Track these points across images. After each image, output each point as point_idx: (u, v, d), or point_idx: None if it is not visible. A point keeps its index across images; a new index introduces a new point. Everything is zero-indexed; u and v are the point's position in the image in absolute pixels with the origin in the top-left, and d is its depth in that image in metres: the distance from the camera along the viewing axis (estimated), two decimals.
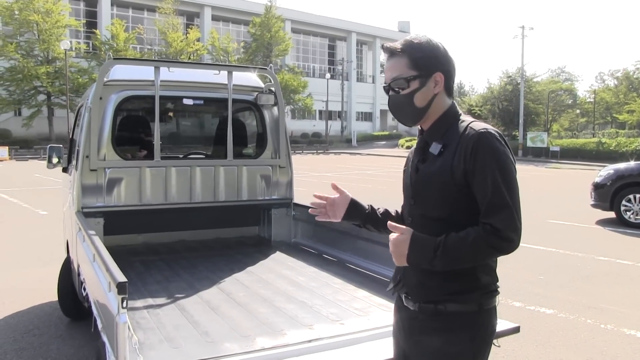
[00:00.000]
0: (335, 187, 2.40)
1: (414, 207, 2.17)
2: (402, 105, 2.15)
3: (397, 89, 2.13)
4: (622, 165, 13.16)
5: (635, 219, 12.16)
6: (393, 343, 2.36)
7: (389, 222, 2.06)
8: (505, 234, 1.91)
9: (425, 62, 2.09)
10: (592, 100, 69.32)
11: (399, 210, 2.42)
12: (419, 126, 2.23)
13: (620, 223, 12.37)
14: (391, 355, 2.39)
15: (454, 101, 2.20)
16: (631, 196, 12.24)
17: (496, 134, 2.02)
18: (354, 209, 2.40)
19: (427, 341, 2.10)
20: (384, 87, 2.21)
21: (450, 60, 2.15)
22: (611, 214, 12.83)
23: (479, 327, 2.07)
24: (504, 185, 1.94)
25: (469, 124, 2.08)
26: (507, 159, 2.00)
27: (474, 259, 1.98)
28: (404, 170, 2.32)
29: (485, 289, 2.08)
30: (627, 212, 12.30)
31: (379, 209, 2.43)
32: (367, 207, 2.42)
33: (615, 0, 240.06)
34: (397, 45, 2.13)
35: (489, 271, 2.10)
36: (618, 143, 42.17)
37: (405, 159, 2.38)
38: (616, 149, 40.61)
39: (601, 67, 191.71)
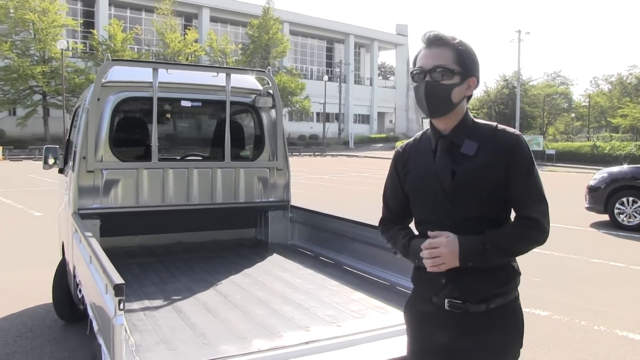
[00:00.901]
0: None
1: (451, 209, 2.15)
2: (439, 93, 2.13)
3: (436, 78, 2.13)
4: (615, 169, 13.25)
5: (629, 222, 12.23)
6: (415, 342, 2.33)
7: (429, 232, 2.11)
8: (542, 225, 2.11)
9: (469, 63, 2.16)
10: (587, 104, 69.49)
11: (406, 229, 2.40)
12: (426, 126, 2.29)
13: (614, 226, 12.44)
14: (388, 356, 2.40)
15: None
16: (624, 199, 12.31)
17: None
18: None
19: (480, 340, 2.16)
20: (415, 72, 2.19)
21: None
22: (605, 217, 12.90)
23: (520, 312, 2.27)
24: (539, 183, 2.14)
25: (496, 125, 2.20)
26: (533, 158, 2.18)
27: (517, 250, 2.14)
28: (406, 175, 2.31)
29: (518, 274, 2.26)
30: (621, 215, 12.37)
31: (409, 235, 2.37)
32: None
33: (610, 6, 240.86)
34: (448, 37, 2.16)
35: (515, 259, 2.27)
36: (612, 147, 42.30)
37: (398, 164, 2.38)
38: (610, 152, 40.72)
39: (596, 71, 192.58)
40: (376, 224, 2.58)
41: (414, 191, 2.29)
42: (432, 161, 2.21)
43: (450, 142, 2.18)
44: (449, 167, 2.15)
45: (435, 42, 2.16)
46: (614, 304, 6.68)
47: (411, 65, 2.25)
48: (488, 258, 2.06)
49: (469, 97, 2.22)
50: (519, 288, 2.28)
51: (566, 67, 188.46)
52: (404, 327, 2.43)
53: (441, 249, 2.05)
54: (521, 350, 2.25)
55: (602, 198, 12.65)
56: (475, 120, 2.23)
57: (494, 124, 2.21)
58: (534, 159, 2.16)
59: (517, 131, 2.17)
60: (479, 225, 2.10)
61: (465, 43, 2.17)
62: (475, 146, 2.13)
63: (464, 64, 2.14)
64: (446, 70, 2.12)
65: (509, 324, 2.20)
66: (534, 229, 2.11)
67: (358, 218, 4.76)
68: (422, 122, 68.28)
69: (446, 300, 2.17)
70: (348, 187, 21.92)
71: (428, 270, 2.11)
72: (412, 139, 2.39)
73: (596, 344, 5.45)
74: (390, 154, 2.36)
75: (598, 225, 12.87)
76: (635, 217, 12.16)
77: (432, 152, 2.23)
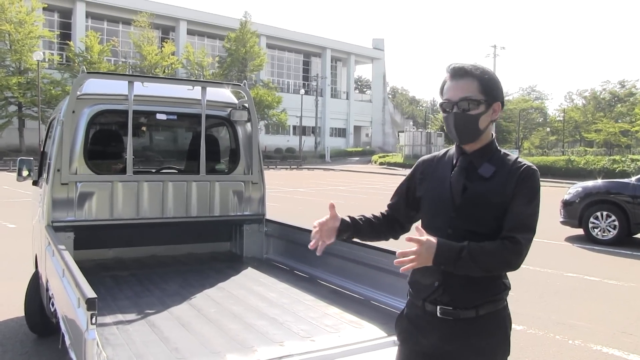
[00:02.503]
0: (332, 207, 2.43)
1: (456, 220, 2.28)
2: (467, 124, 2.29)
3: (463, 109, 2.27)
4: (590, 183, 13.40)
5: (603, 236, 12.35)
6: (405, 347, 2.44)
7: (408, 237, 2.15)
8: (521, 250, 2.17)
9: (492, 90, 2.29)
10: (561, 118, 70.39)
11: (376, 214, 2.58)
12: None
13: (588, 240, 12.55)
14: None
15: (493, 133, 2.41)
16: (599, 213, 12.44)
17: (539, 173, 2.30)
18: (343, 226, 2.46)
19: (471, 345, 2.26)
20: (443, 104, 2.34)
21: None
22: (580, 231, 13.03)
23: (509, 319, 2.36)
24: (536, 215, 2.24)
25: (517, 158, 2.34)
26: (539, 192, 2.27)
27: (489, 267, 2.18)
28: (422, 181, 2.46)
29: (507, 288, 2.35)
30: (595, 229, 12.49)
31: (360, 217, 2.53)
32: (348, 219, 2.48)
33: (584, 23, 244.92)
34: (471, 67, 2.29)
35: (506, 275, 2.38)
36: (587, 161, 42.87)
37: (410, 169, 2.60)
38: (585, 166, 41.24)
39: (570, 86, 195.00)
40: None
41: (427, 197, 2.44)
42: (449, 174, 2.37)
43: (470, 161, 2.33)
44: (462, 182, 2.31)
45: (459, 73, 2.29)
46: (588, 318, 6.74)
47: (439, 96, 2.39)
48: (460, 266, 2.12)
49: (494, 120, 2.36)
50: None
51: (541, 82, 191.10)
52: (378, 341, 2.47)
53: (419, 248, 2.10)
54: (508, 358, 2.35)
55: (577, 212, 12.79)
56: (499, 148, 2.37)
57: (516, 156, 2.36)
58: (539, 193, 2.26)
59: (534, 166, 2.29)
60: (477, 239, 2.17)
61: (488, 71, 2.31)
62: (492, 170, 2.28)
63: (489, 92, 2.27)
64: (472, 101, 2.26)
65: (498, 331, 2.30)
66: (513, 253, 2.16)
67: None
68: (397, 135, 68.63)
69: (438, 308, 2.28)
70: (324, 200, 21.89)
71: (396, 262, 2.15)
72: (439, 152, 2.54)
73: (571, 358, 5.49)
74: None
75: (573, 239, 12.99)
76: (610, 231, 12.29)
77: (451, 166, 2.39)
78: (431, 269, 2.16)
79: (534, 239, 2.21)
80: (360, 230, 2.51)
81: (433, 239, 2.11)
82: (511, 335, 2.36)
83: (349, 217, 2.49)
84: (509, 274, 2.33)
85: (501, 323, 2.31)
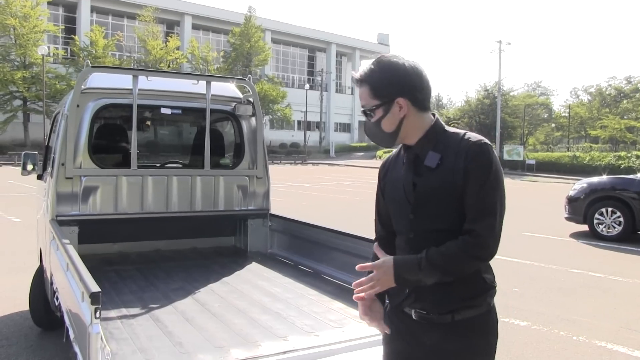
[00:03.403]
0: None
1: (415, 221, 2.15)
2: (373, 131, 2.21)
3: (367, 117, 2.19)
4: (595, 179, 13.37)
5: (608, 232, 12.34)
6: (388, 353, 2.35)
7: (358, 266, 2.12)
8: (484, 241, 2.01)
9: (385, 90, 2.11)
10: (567, 114, 70.15)
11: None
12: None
13: (593, 236, 12.54)
14: None
15: (435, 114, 2.21)
16: (603, 209, 12.42)
17: (490, 144, 2.10)
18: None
19: (447, 350, 2.13)
20: (362, 112, 2.26)
21: (415, 79, 2.13)
22: (585, 227, 13.01)
23: (492, 325, 2.21)
24: (495, 195, 2.04)
25: (464, 135, 2.12)
26: (500, 171, 2.08)
27: (456, 270, 2.04)
28: (384, 185, 2.33)
29: (490, 287, 2.18)
30: (600, 225, 12.48)
31: None
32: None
33: (590, 18, 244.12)
34: (360, 75, 2.17)
35: (489, 271, 2.19)
36: (592, 157, 42.82)
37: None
38: (590, 163, 41.20)
39: (575, 82, 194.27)
40: (356, 233, 2.59)
41: (388, 202, 2.31)
42: (402, 172, 2.23)
43: (415, 154, 2.17)
44: (410, 179, 2.16)
45: (357, 83, 2.20)
46: (593, 315, 6.73)
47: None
48: (425, 277, 2.03)
49: (423, 107, 2.16)
50: (496, 299, 2.25)
51: (546, 78, 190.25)
52: (381, 337, 2.43)
53: (377, 274, 2.06)
54: None
55: (582, 208, 12.77)
56: (447, 129, 2.18)
57: (462, 132, 2.15)
58: (496, 169, 2.06)
59: (483, 139, 2.09)
60: (443, 238, 2.06)
61: (381, 69, 2.13)
62: (437, 158, 2.10)
63: (382, 93, 2.12)
64: (369, 110, 2.16)
65: (478, 336, 2.15)
66: (477, 247, 2.01)
67: (338, 227, 4.75)
68: None
69: (413, 311, 2.18)
70: (328, 195, 21.92)
71: (355, 297, 2.16)
72: (395, 150, 2.38)
73: (575, 355, 5.48)
74: (371, 162, 2.36)
75: (577, 235, 12.97)
76: (614, 227, 12.27)
77: (402, 163, 2.24)
78: None
79: (502, 222, 2.05)
80: None
81: (389, 260, 2.05)
82: (497, 344, 2.24)
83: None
84: (504, 268, 2.22)
85: (482, 329, 2.16)
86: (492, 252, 2.04)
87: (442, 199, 2.08)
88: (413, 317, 2.17)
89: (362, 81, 2.15)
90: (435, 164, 2.09)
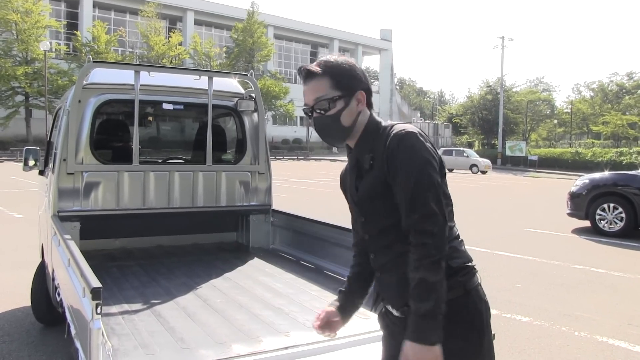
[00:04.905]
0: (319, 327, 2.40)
1: (366, 223, 2.18)
2: (329, 126, 2.14)
3: (321, 111, 2.12)
4: (597, 175, 13.37)
5: (610, 228, 12.33)
6: (382, 350, 2.35)
7: None
8: (427, 240, 1.89)
9: (347, 81, 2.11)
10: (569, 110, 70.09)
11: (355, 262, 2.45)
12: (345, 145, 2.24)
13: (595, 232, 12.54)
14: None
15: (372, 112, 2.21)
16: (605, 205, 12.42)
17: (415, 131, 2.02)
18: (346, 308, 2.40)
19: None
20: (304, 109, 2.19)
21: (366, 76, 2.18)
22: (587, 223, 13.00)
23: (473, 308, 2.04)
24: (421, 186, 1.93)
25: (390, 128, 2.08)
26: (423, 156, 1.97)
27: (433, 278, 1.88)
28: (343, 190, 2.34)
29: (462, 271, 2.05)
30: (602, 221, 12.48)
31: (350, 278, 2.46)
32: (344, 289, 2.44)
33: (592, 14, 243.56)
34: (317, 66, 2.12)
35: (456, 254, 2.07)
36: (594, 153, 42.86)
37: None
38: (592, 159, 41.22)
39: (578, 78, 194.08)
40: None
41: (350, 209, 2.32)
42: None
43: (355, 157, 2.19)
44: (353, 183, 2.20)
45: (309, 76, 2.13)
46: (594, 310, 6.72)
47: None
48: (432, 309, 1.87)
49: (370, 105, 2.19)
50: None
51: (549, 74, 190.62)
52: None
53: None
54: (496, 359, 2.16)
55: (584, 204, 12.76)
56: (381, 125, 2.15)
57: (389, 125, 2.12)
58: (420, 158, 1.96)
59: (406, 128, 2.04)
60: (394, 231, 2.04)
61: (340, 63, 2.12)
62: (369, 157, 2.09)
63: (344, 85, 2.10)
64: (326, 101, 2.10)
65: (456, 322, 1.99)
66: (423, 256, 1.89)
67: (340, 223, 4.74)
68: None
69: (389, 307, 2.18)
70: (331, 191, 21.89)
71: None
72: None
73: (577, 350, 5.47)
74: None
75: (579, 231, 12.97)
76: (616, 223, 12.26)
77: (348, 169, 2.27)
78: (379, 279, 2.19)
79: (439, 201, 1.93)
80: (354, 291, 2.40)
81: (407, 345, 1.91)
82: (484, 327, 2.07)
83: (337, 299, 2.44)
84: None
85: (460, 313, 2.00)
86: (440, 243, 1.91)
87: (379, 198, 2.07)
88: (394, 313, 2.16)
89: (323, 72, 2.10)
90: (368, 165, 2.10)
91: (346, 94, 2.10)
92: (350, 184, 2.23)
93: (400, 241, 2.03)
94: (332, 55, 2.16)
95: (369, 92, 2.16)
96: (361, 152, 2.15)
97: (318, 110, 2.12)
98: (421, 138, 2.01)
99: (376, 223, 2.13)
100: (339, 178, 2.42)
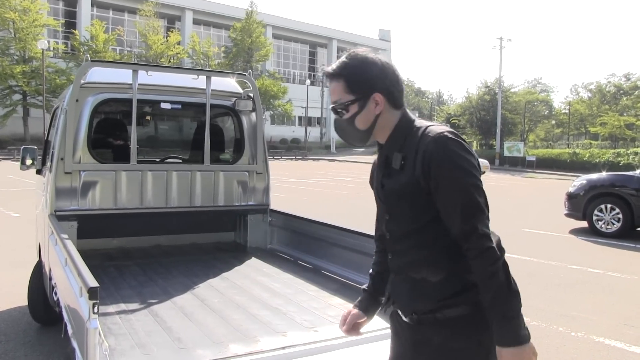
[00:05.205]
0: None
1: (389, 222, 2.14)
2: (345, 129, 2.13)
3: (339, 113, 2.10)
4: (594, 176, 13.40)
5: (607, 229, 12.35)
6: (390, 349, 2.34)
7: None
8: (484, 247, 1.88)
9: (362, 84, 2.04)
10: (567, 111, 70.12)
11: (377, 258, 2.40)
12: (376, 141, 2.20)
13: (592, 232, 12.57)
14: None
15: (405, 108, 2.14)
16: (603, 206, 12.44)
17: (453, 136, 1.97)
18: (369, 309, 2.37)
19: (433, 351, 2.04)
20: (331, 109, 2.16)
21: (390, 75, 2.08)
22: (584, 224, 13.04)
23: (483, 327, 1.96)
24: (471, 194, 1.90)
25: (425, 129, 2.02)
26: (467, 161, 1.93)
27: (505, 281, 1.87)
28: (371, 185, 2.30)
29: (475, 286, 1.96)
30: (599, 222, 12.49)
31: (373, 277, 2.40)
32: (368, 288, 2.39)
33: (590, 15, 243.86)
34: (334, 68, 2.09)
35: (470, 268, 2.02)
36: (591, 154, 42.92)
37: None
38: (589, 159, 41.27)
39: (576, 79, 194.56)
40: (356, 229, 2.58)
41: (375, 201, 2.28)
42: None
43: (385, 154, 2.13)
44: (380, 180, 2.15)
45: (328, 78, 2.11)
46: (591, 310, 6.74)
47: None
48: (516, 307, 1.90)
49: (397, 104, 2.10)
50: None
51: (547, 75, 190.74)
52: (382, 332, 2.44)
53: None
54: None
55: (581, 205, 12.79)
56: (415, 124, 2.09)
57: (425, 126, 2.04)
58: (463, 163, 1.92)
59: (444, 130, 1.97)
60: (415, 239, 2.04)
61: (357, 64, 2.06)
62: (400, 158, 2.03)
63: (359, 88, 2.04)
64: (342, 104, 2.07)
65: (465, 337, 2.00)
66: (486, 260, 1.87)
67: (338, 223, 4.75)
68: None
69: (400, 312, 2.16)
70: (329, 191, 21.91)
71: None
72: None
73: (573, 350, 5.48)
74: (372, 158, 2.29)
75: (577, 231, 12.99)
76: (614, 224, 12.28)
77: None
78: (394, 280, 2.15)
79: (483, 209, 1.91)
80: (378, 290, 2.36)
81: (504, 353, 1.92)
82: (490, 344, 1.97)
83: (361, 299, 2.39)
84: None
85: (468, 328, 2.00)
86: (494, 248, 1.88)
87: (407, 200, 2.02)
88: (403, 318, 2.13)
89: (335, 75, 2.08)
90: (399, 165, 2.03)
91: (361, 97, 2.04)
92: (377, 179, 2.19)
93: (419, 248, 2.02)
94: (357, 51, 2.10)
95: (388, 93, 2.06)
96: (391, 149, 2.08)
97: (339, 111, 2.10)
98: (463, 142, 1.97)
99: (400, 224, 2.09)
100: (368, 173, 2.36)
